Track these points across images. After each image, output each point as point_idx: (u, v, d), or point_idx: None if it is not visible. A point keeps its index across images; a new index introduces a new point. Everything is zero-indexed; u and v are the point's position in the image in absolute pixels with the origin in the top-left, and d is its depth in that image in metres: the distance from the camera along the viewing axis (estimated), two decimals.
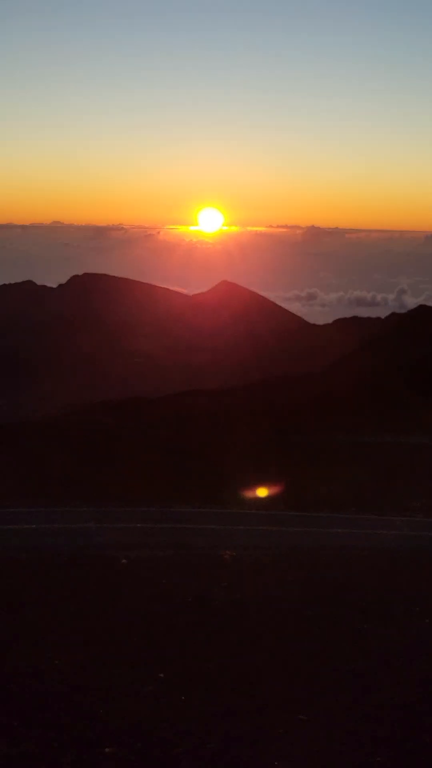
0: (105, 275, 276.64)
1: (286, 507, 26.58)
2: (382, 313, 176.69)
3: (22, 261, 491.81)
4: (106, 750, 7.30)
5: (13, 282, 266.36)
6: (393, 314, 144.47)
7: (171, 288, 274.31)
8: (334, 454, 38.57)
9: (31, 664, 9.86)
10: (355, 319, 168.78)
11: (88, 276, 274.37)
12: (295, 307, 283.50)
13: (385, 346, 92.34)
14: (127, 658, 10.36)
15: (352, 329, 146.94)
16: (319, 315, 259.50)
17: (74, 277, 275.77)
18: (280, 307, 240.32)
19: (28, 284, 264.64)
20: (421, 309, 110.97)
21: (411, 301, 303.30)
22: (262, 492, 28.31)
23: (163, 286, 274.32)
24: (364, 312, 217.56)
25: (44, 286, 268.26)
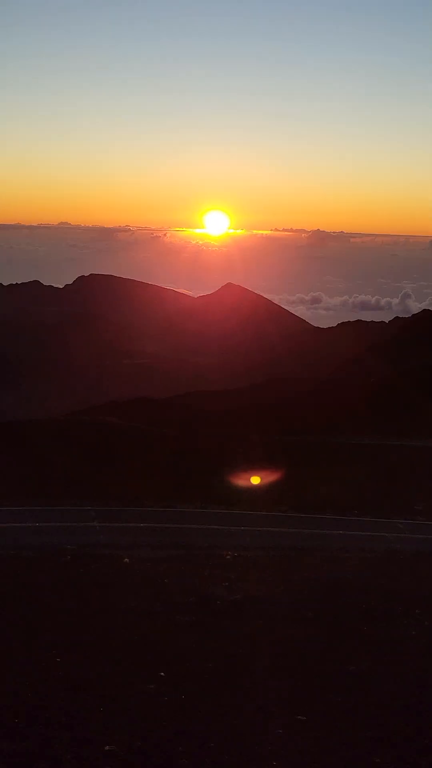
0: (111, 276, 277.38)
1: (288, 508, 26.58)
2: (386, 317, 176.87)
3: (30, 261, 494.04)
4: (106, 748, 7.30)
5: (20, 282, 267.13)
6: (397, 318, 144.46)
7: (177, 290, 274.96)
8: (336, 456, 38.52)
9: (33, 661, 9.89)
10: (359, 323, 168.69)
11: (94, 277, 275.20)
12: (299, 311, 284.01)
13: (388, 349, 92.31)
14: (128, 657, 10.39)
15: (357, 333, 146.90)
16: (323, 318, 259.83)
17: (81, 278, 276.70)
18: (285, 310, 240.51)
19: (35, 284, 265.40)
20: (425, 313, 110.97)
21: (415, 306, 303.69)
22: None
23: (169, 287, 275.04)
24: (368, 316, 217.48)
25: (51, 287, 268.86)
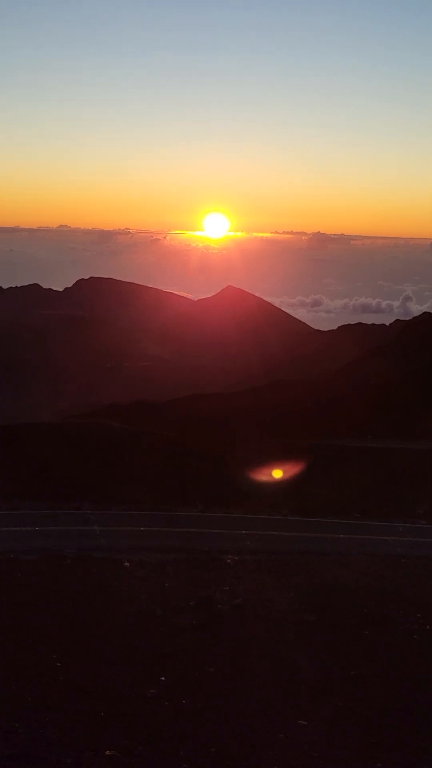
0: (111, 279, 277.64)
1: (289, 511, 26.54)
2: (387, 319, 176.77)
3: (29, 264, 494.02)
4: (107, 752, 7.29)
5: (20, 285, 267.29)
6: (397, 321, 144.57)
7: (177, 293, 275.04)
8: (338, 460, 38.51)
9: (34, 664, 9.88)
10: (359, 326, 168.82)
11: (94, 280, 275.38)
12: (300, 313, 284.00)
13: (390, 352, 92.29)
14: (129, 661, 10.37)
15: (357, 336, 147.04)
16: (324, 321, 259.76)
17: (80, 281, 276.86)
18: (286, 312, 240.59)
19: (35, 287, 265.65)
20: (426, 316, 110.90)
21: (416, 308, 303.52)
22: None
23: (168, 290, 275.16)
24: (368, 318, 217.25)
25: (51, 290, 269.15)
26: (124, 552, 18.46)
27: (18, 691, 8.90)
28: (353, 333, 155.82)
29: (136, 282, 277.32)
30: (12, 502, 24.72)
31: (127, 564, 17.24)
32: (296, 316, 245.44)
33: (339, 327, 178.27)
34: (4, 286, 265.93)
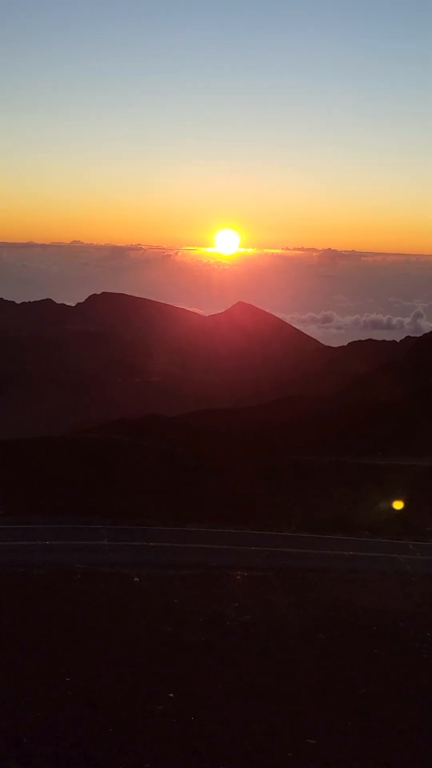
0: (123, 295, 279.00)
1: (297, 528, 26.45)
2: (398, 336, 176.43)
3: (42, 280, 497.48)
4: None
5: (33, 300, 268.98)
6: (408, 338, 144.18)
7: (188, 308, 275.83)
8: (347, 476, 38.35)
9: (42, 680, 9.90)
10: (370, 342, 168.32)
11: (106, 295, 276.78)
12: (310, 330, 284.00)
13: (400, 369, 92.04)
14: (138, 677, 10.37)
15: (368, 352, 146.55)
16: (334, 337, 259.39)
17: (92, 296, 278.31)
18: (296, 329, 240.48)
19: (48, 303, 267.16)
20: None
21: (426, 325, 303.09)
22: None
23: (179, 306, 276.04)
24: (379, 335, 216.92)
25: (63, 305, 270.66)
26: (133, 567, 18.47)
27: (27, 705, 8.93)
28: (364, 349, 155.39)
29: (147, 297, 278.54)
30: (23, 517, 24.81)
31: (136, 579, 17.25)
32: (307, 332, 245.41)
33: (349, 343, 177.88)
34: (18, 301, 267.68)
